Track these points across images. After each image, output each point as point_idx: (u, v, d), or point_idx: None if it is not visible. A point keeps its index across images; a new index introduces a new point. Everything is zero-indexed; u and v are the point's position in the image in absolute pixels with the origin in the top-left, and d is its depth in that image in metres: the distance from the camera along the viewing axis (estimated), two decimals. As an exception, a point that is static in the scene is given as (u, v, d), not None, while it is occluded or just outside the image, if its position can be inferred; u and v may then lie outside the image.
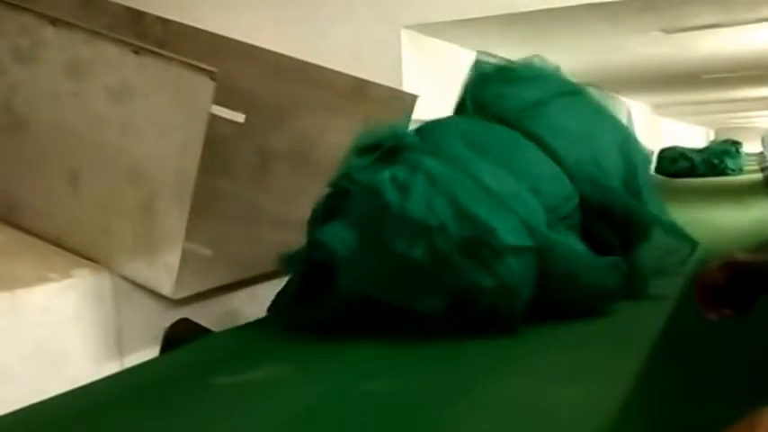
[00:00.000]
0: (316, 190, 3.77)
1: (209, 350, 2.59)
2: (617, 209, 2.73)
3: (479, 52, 3.34)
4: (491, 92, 3.03)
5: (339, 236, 2.50)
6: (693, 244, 2.93)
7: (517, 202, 2.48)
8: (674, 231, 2.95)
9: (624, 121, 3.13)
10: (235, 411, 1.97)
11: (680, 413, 1.96)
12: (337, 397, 2.06)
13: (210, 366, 2.36)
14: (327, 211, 2.65)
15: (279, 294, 2.82)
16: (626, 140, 2.96)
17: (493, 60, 3.25)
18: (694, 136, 22.36)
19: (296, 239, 3.55)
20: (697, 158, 11.58)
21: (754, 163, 16.00)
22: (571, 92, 3.11)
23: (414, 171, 2.47)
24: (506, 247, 2.37)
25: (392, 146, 2.60)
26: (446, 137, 2.75)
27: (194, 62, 2.57)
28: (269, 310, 2.84)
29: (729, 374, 2.29)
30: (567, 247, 2.54)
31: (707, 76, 9.08)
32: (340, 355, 2.39)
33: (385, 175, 2.46)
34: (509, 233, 2.39)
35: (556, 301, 2.54)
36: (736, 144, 13.00)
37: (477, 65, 3.18)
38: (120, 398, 2.19)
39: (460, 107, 3.11)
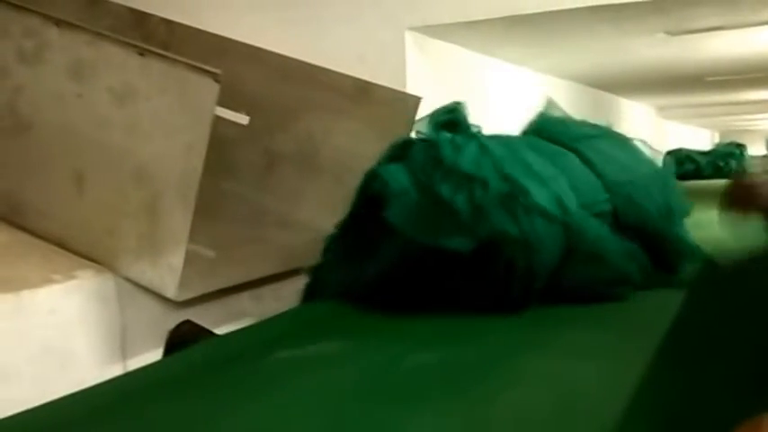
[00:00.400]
0: (320, 191, 3.79)
1: (266, 331, 2.82)
2: (649, 228, 3.12)
3: (548, 100, 3.81)
4: (550, 122, 3.55)
5: (395, 174, 2.90)
6: (714, 267, 3.01)
7: (554, 183, 2.91)
8: (689, 245, 3.28)
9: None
10: (297, 382, 2.19)
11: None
12: (391, 367, 2.33)
13: (271, 344, 2.61)
14: (390, 157, 3.05)
15: (323, 252, 3.15)
16: (666, 181, 3.42)
17: (556, 110, 3.78)
18: (699, 138, 22.34)
19: (301, 240, 3.55)
20: (702, 161, 11.60)
21: (759, 167, 16.04)
22: (617, 136, 3.61)
23: (470, 139, 2.96)
24: (536, 207, 2.76)
25: (458, 120, 3.12)
26: (505, 136, 3.31)
27: (198, 64, 2.57)
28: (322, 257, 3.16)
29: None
30: (594, 227, 2.92)
31: (711, 79, 9.07)
32: (389, 331, 2.68)
33: (445, 135, 2.95)
34: (541, 198, 2.79)
35: (580, 280, 2.88)
36: (741, 147, 13.16)
37: (543, 110, 3.69)
38: (176, 381, 2.31)
39: (524, 134, 3.56)
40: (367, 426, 1.88)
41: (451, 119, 3.13)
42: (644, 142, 3.73)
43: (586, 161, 3.20)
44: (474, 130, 3.13)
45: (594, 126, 3.64)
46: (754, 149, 22.64)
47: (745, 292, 2.62)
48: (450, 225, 2.78)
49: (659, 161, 3.75)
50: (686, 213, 3.47)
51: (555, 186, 2.91)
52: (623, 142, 3.57)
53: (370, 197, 2.98)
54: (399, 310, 2.78)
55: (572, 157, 3.20)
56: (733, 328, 2.21)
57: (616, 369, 2.14)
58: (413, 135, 3.19)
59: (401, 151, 3.05)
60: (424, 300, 2.81)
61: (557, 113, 3.76)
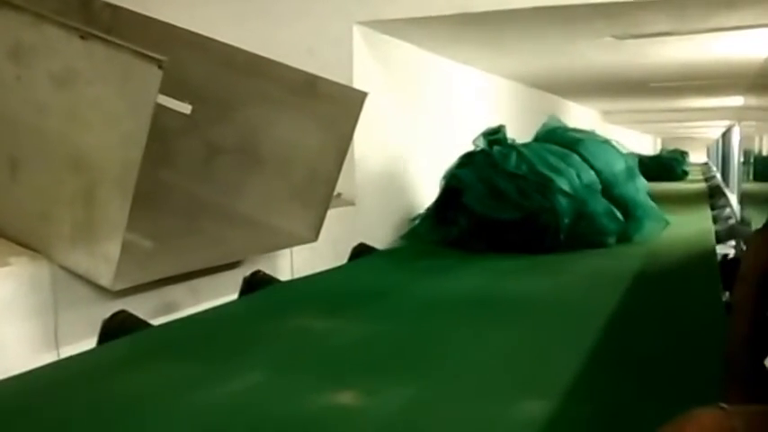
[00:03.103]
0: (261, 185, 3.76)
1: (398, 253, 5.05)
2: (625, 196, 5.36)
3: (550, 117, 6.29)
4: (554, 131, 5.88)
5: (466, 173, 5.12)
6: (666, 222, 5.63)
7: (567, 173, 5.05)
8: (655, 213, 5.64)
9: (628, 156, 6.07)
10: (439, 278, 4.20)
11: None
12: (493, 267, 4.49)
13: (409, 258, 4.83)
14: (460, 163, 5.27)
15: (421, 219, 5.38)
16: (628, 165, 5.69)
17: (557, 122, 6.18)
18: (642, 143, 22.59)
19: (239, 234, 3.51)
20: (650, 163, 12.56)
21: (698, 173, 16.68)
22: (600, 139, 5.94)
23: (511, 149, 5.15)
24: (558, 189, 4.91)
25: (501, 137, 5.26)
26: (530, 144, 5.50)
27: (142, 50, 2.51)
28: (411, 227, 5.42)
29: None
30: (592, 200, 5.09)
31: (656, 85, 9.16)
32: (477, 256, 4.76)
33: (496, 148, 5.15)
34: (561, 183, 4.94)
35: (585, 232, 5.00)
36: (684, 153, 16.29)
37: (547, 121, 6.13)
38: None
39: (535, 140, 5.78)
40: (497, 286, 4.02)
41: (497, 137, 5.26)
42: (617, 142, 6.02)
43: (583, 158, 5.34)
44: (510, 142, 5.25)
45: (583, 131, 6.03)
46: (695, 156, 22.99)
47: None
48: (504, 204, 4.91)
49: (627, 154, 5.97)
50: (647, 189, 5.79)
51: (568, 175, 5.05)
52: (604, 142, 5.84)
53: (451, 189, 5.19)
54: (476, 251, 4.87)
55: (574, 155, 5.32)
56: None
57: (607, 273, 4.31)
58: (474, 147, 5.34)
59: (467, 159, 5.28)
60: (490, 248, 4.87)
61: (557, 124, 6.05)
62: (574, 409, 2.12)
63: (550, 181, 4.92)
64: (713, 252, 5.08)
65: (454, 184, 5.13)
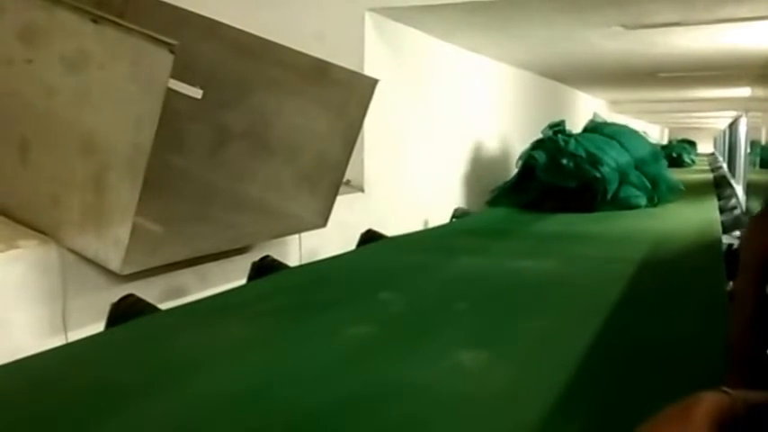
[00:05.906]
0: (271, 170, 3.75)
1: (491, 213, 6.76)
2: (652, 172, 7.24)
3: (595, 115, 8.85)
4: (598, 124, 7.87)
5: (539, 154, 6.82)
6: (682, 190, 7.73)
7: (611, 154, 6.83)
8: (674, 184, 7.65)
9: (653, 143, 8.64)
10: (534, 225, 5.95)
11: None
12: (557, 222, 6.06)
13: (505, 216, 6.49)
14: (533, 147, 7.02)
15: (501, 188, 7.14)
16: (654, 150, 7.91)
17: (601, 118, 8.61)
18: (651, 134, 22.54)
19: (248, 219, 3.51)
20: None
21: (705, 163, 16.86)
22: (632, 130, 8.04)
23: (570, 137, 6.97)
24: (606, 163, 6.65)
25: (562, 128, 7.13)
26: (583, 134, 7.39)
27: (154, 34, 2.51)
28: (491, 197, 7.13)
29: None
30: (629, 172, 6.91)
31: (664, 75, 9.14)
32: (544, 217, 6.23)
33: (559, 136, 6.93)
34: (608, 159, 6.71)
35: (624, 196, 6.77)
36: (692, 143, 18.58)
37: (592, 118, 8.37)
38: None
39: (584, 131, 7.66)
40: (572, 229, 5.72)
41: (559, 128, 7.08)
42: (645, 133, 8.46)
43: (621, 144, 7.12)
44: (568, 131, 7.09)
45: (620, 125, 8.23)
46: (702, 147, 22.93)
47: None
48: (566, 175, 6.59)
49: (653, 142, 8.56)
50: (668, 167, 8.07)
51: (611, 155, 6.78)
52: (636, 133, 7.97)
53: (527, 165, 6.87)
54: (546, 211, 6.43)
55: (614, 142, 7.09)
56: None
57: (640, 224, 6.04)
58: (543, 135, 7.14)
59: (538, 143, 7.00)
60: (555, 208, 6.47)
61: (601, 120, 8.31)
62: (640, 270, 3.87)
63: (600, 158, 6.67)
64: (718, 240, 5.24)
65: (530, 162, 6.89)
